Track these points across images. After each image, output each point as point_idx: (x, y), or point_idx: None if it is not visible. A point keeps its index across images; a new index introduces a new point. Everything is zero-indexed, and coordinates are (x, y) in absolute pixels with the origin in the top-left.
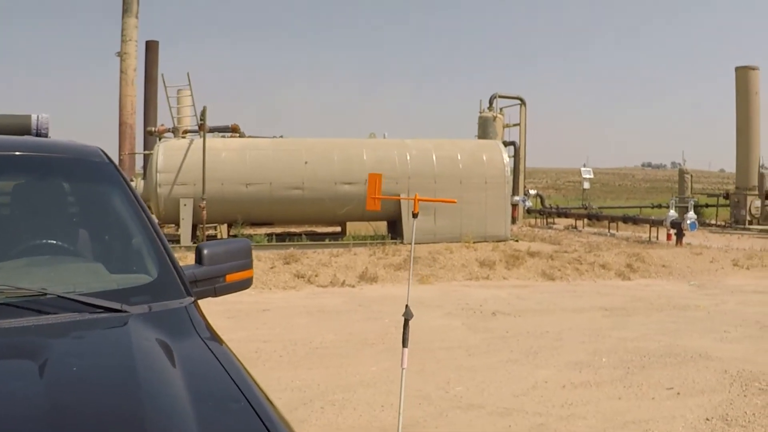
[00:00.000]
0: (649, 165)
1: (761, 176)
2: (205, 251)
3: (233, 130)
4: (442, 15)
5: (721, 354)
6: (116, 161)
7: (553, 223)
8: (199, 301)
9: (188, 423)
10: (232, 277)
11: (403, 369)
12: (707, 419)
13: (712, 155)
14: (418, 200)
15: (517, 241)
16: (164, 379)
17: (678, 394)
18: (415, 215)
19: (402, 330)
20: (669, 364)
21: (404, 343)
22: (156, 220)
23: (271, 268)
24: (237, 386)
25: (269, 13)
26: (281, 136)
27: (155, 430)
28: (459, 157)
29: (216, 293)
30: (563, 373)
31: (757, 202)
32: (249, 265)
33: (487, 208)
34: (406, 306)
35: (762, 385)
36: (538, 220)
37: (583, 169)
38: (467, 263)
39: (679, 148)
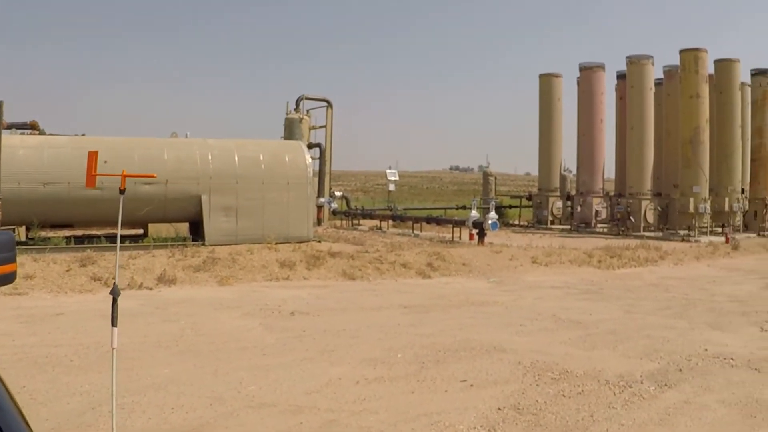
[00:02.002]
0: (457, 168)
1: (563, 178)
2: None
3: (32, 127)
4: (251, 13)
5: (516, 346)
6: None
7: (359, 225)
8: None
9: None
10: None
11: (113, 349)
12: (499, 409)
13: (519, 159)
14: (125, 176)
15: (319, 242)
16: None
17: (471, 386)
18: (121, 191)
19: (112, 308)
20: (464, 357)
21: (113, 322)
22: None
23: (67, 270)
24: None
25: (73, 10)
26: (83, 135)
27: None
28: (261, 158)
29: None
30: (357, 369)
31: (559, 203)
32: (12, 259)
33: (290, 209)
34: (114, 284)
35: (554, 374)
36: (344, 222)
37: (388, 171)
38: (268, 264)
39: (486, 152)
